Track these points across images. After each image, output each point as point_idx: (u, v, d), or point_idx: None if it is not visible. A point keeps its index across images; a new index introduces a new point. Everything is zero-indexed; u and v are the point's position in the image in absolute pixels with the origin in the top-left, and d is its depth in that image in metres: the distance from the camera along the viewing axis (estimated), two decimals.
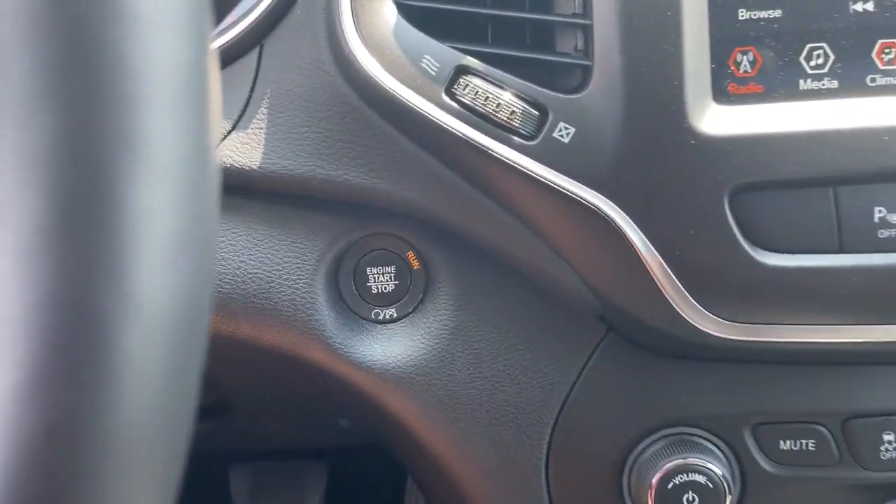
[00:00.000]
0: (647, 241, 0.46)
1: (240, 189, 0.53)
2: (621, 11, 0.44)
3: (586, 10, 0.45)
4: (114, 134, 0.18)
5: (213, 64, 0.21)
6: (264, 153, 0.52)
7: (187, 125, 0.19)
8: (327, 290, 0.54)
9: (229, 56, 0.52)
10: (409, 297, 0.54)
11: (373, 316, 0.54)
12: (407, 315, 0.55)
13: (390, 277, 0.54)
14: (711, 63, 0.45)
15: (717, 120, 0.45)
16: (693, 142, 0.44)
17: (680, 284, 0.46)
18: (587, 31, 0.46)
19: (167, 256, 0.19)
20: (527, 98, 0.46)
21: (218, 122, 0.27)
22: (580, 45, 0.47)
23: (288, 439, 0.90)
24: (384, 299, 0.54)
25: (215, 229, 0.21)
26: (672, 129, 0.44)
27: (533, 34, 0.49)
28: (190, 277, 0.19)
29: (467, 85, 0.46)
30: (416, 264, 0.54)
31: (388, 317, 0.54)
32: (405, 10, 0.48)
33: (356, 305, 0.54)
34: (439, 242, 0.53)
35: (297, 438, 0.90)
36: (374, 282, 0.54)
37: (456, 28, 0.48)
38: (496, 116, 0.46)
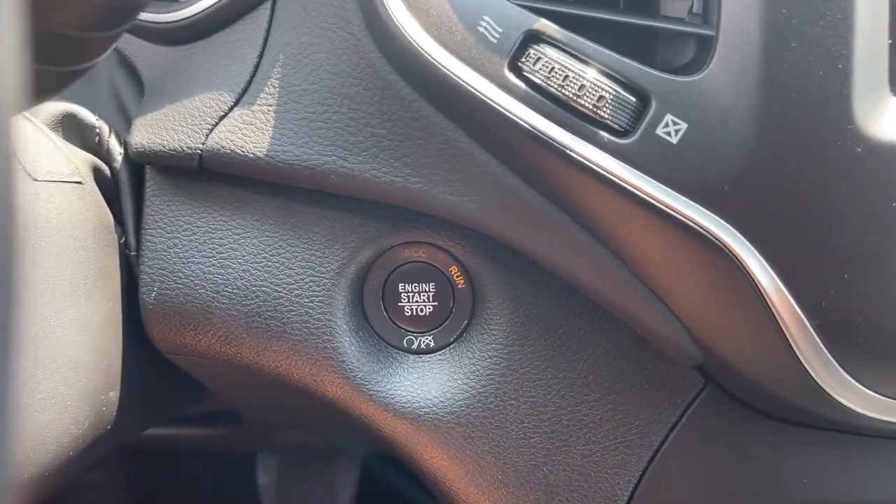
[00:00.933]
0: (779, 283, 0.37)
1: (243, 180, 0.45)
2: None
3: None
4: None
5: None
6: (273, 137, 0.43)
7: None
8: (349, 309, 0.46)
9: (235, 10, 0.45)
10: (451, 323, 0.47)
11: (405, 344, 0.47)
12: (447, 345, 0.47)
13: (428, 297, 0.47)
14: (889, 38, 0.34)
15: (894, 120, 0.36)
16: (860, 150, 0.35)
17: (821, 343, 0.38)
18: None
19: None
20: (620, 79, 0.37)
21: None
22: (696, 7, 0.39)
23: (310, 447, 0.84)
24: (419, 324, 0.47)
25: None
26: (831, 130, 0.35)
27: None
28: None
29: (539, 58, 0.38)
30: (460, 282, 0.46)
31: (423, 346, 0.47)
32: None
33: (384, 330, 0.47)
34: (491, 256, 0.45)
35: (320, 446, 0.84)
36: (408, 302, 0.47)
37: None
38: (578, 103, 0.37)
